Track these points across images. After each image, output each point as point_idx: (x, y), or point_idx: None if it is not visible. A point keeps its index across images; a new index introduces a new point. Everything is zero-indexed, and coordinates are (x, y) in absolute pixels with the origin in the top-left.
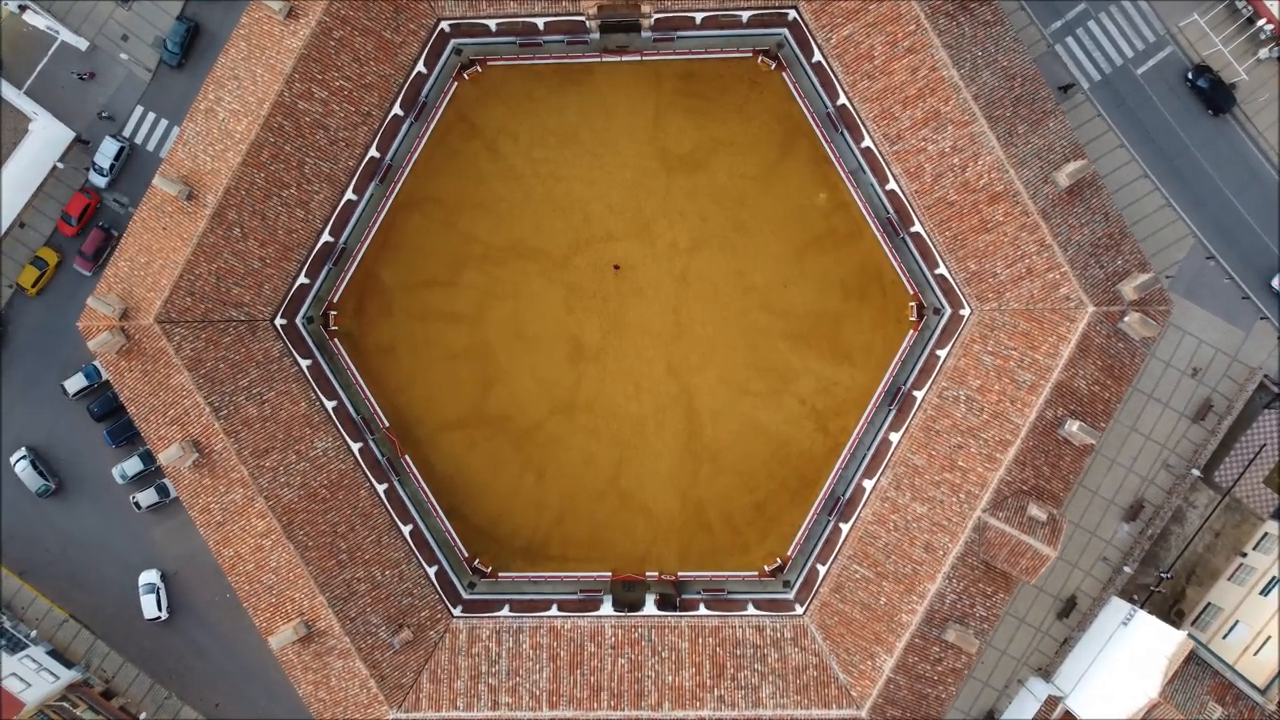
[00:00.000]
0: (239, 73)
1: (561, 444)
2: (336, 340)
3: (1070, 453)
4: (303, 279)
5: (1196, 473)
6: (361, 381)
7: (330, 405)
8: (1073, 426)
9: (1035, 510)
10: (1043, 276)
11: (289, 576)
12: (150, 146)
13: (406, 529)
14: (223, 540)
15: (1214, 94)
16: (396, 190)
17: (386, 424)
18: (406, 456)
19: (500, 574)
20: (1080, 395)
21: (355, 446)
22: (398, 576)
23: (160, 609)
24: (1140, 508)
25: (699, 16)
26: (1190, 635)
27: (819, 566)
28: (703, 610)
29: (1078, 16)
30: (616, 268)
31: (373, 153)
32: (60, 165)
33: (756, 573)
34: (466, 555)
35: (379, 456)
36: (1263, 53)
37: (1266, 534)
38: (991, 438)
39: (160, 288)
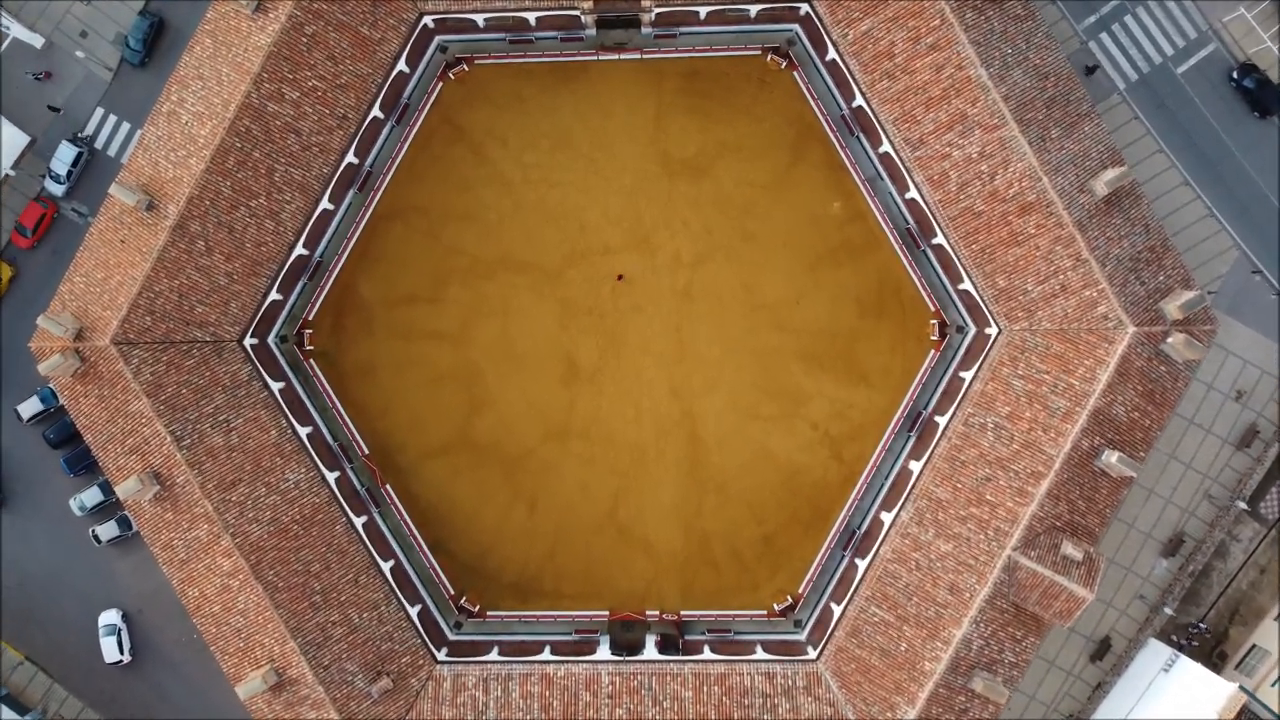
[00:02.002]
0: (204, 72)
1: (555, 472)
2: (312, 361)
3: (1107, 485)
4: (275, 295)
5: (1241, 504)
6: (339, 405)
7: (304, 432)
8: (1111, 457)
9: (1070, 549)
10: (1078, 294)
11: (258, 620)
12: (112, 151)
13: (387, 565)
14: (187, 579)
15: (1260, 94)
16: (376, 199)
17: (366, 451)
18: (387, 486)
19: (489, 613)
20: (1119, 423)
21: (331, 476)
22: (376, 619)
23: (122, 652)
24: (1180, 542)
25: (703, 11)
26: (1242, 688)
27: (833, 605)
28: (708, 654)
29: (1113, 11)
30: (620, 277)
31: (350, 158)
32: (13, 172)
33: (765, 612)
34: (452, 593)
35: (357, 487)
36: None
37: None
38: (1022, 469)
39: (117, 306)
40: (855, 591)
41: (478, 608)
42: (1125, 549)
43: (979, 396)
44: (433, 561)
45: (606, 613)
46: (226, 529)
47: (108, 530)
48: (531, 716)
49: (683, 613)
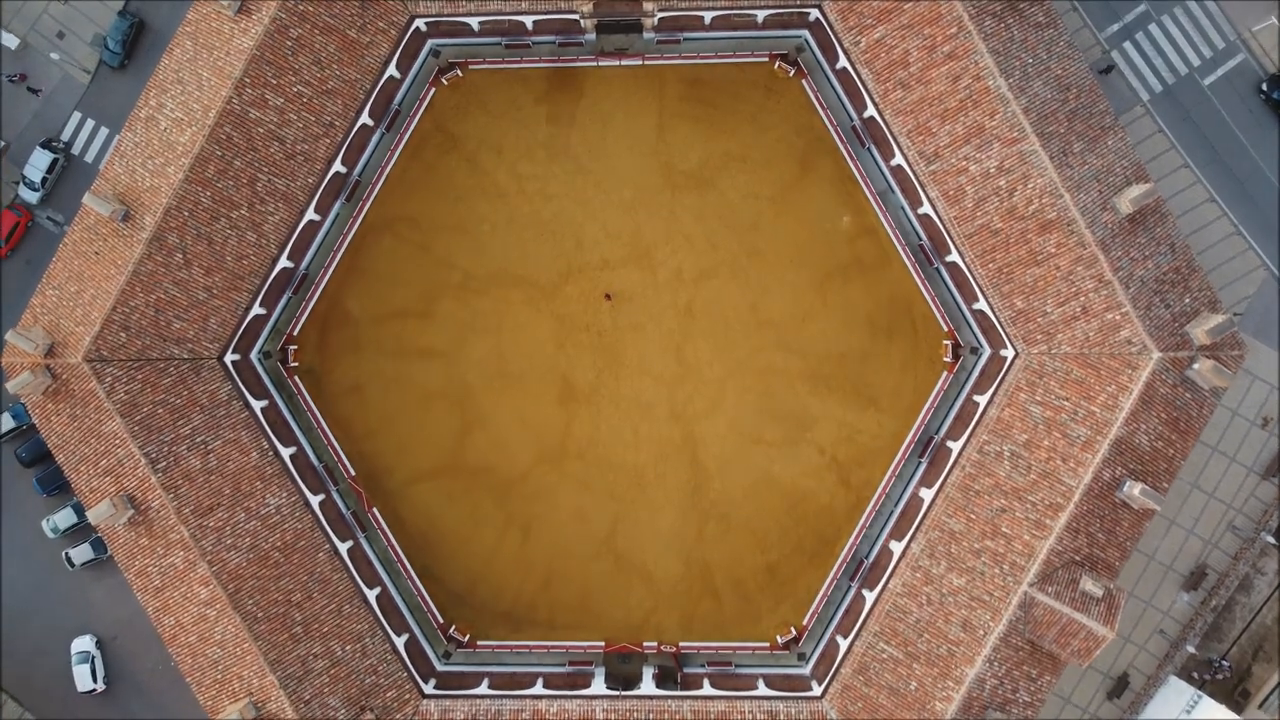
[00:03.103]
0: (183, 76)
1: (549, 497)
2: (296, 378)
3: (1129, 517)
4: (258, 309)
5: (1268, 537)
6: (324, 425)
7: (287, 453)
8: (1134, 489)
9: (1089, 585)
10: (1100, 317)
11: (236, 651)
12: (89, 158)
13: (373, 593)
14: (162, 608)
15: None
16: (365, 210)
17: (352, 473)
18: (374, 510)
19: (479, 643)
20: (1141, 452)
21: (315, 500)
22: (360, 652)
23: (95, 680)
24: (1202, 575)
25: (708, 16)
26: None
27: (839, 638)
28: (707, 688)
29: (1138, 19)
30: (608, 297)
31: (337, 167)
32: None
33: (768, 644)
34: (441, 622)
35: (343, 511)
36: None
37: None
38: (1040, 500)
39: (91, 321)
40: (863, 625)
41: (468, 637)
42: (1145, 582)
43: (995, 423)
44: (421, 589)
45: (602, 644)
46: (203, 556)
47: (81, 553)
48: None
49: (682, 644)
